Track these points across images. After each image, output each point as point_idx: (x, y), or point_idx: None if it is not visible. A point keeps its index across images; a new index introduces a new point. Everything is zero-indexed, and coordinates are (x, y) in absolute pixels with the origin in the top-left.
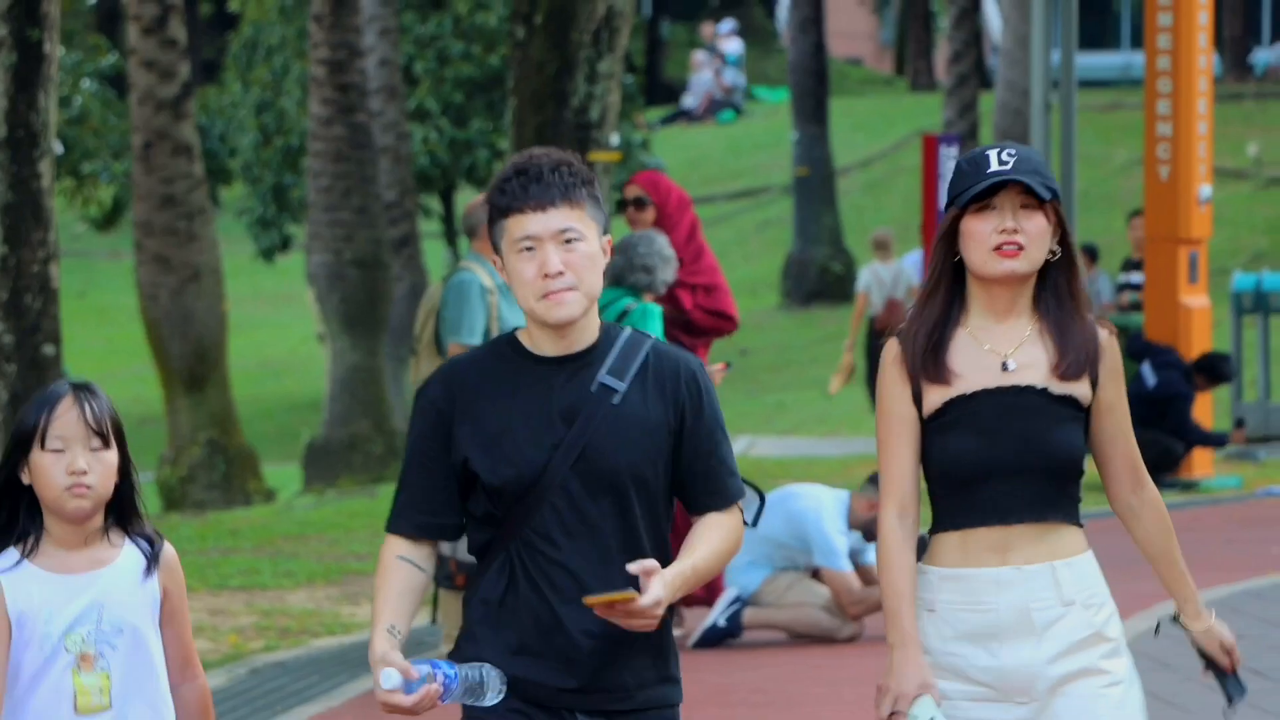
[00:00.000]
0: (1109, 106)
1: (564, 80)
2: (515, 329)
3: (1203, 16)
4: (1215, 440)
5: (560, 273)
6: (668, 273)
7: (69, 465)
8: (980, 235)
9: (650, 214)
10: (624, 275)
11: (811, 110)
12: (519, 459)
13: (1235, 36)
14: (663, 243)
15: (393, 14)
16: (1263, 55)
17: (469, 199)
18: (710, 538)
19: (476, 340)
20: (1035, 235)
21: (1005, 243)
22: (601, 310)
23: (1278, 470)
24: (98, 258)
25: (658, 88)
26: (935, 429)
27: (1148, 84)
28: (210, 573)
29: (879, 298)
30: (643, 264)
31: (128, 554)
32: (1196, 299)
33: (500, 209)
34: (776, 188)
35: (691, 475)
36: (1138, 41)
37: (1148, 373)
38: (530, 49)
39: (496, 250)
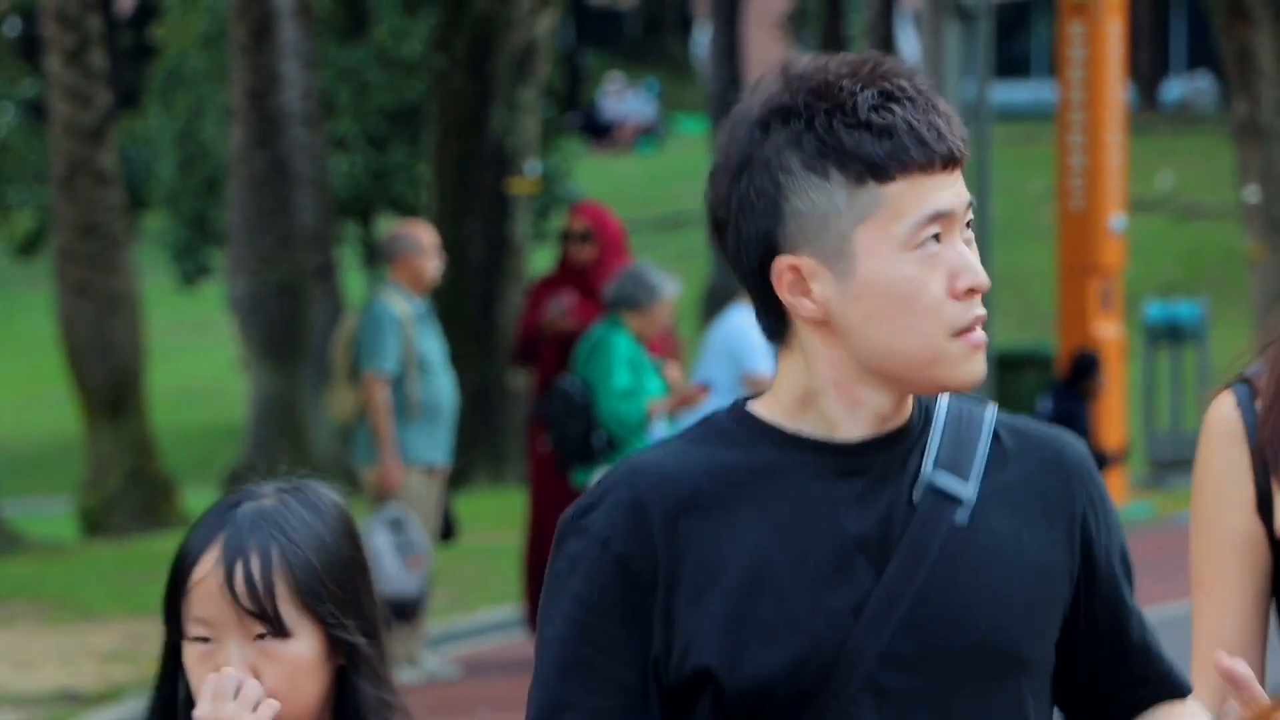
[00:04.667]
0: (1023, 138)
1: (484, 110)
2: (745, 397)
3: (1115, 49)
4: (1105, 461)
5: (981, 289)
6: (662, 283)
7: (217, 666)
8: None
9: (592, 250)
10: (624, 295)
11: None
12: (792, 637)
13: (1147, 69)
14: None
15: (309, 37)
16: (1174, 87)
17: (389, 226)
18: None
19: (390, 367)
20: None
21: None
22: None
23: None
24: (19, 287)
25: (580, 118)
26: None
27: (1060, 115)
28: (131, 598)
29: None
30: (648, 280)
31: None
32: (1109, 329)
33: (869, 162)
34: (696, 217)
35: (1112, 651)
36: (1053, 71)
37: (1047, 402)
38: (450, 79)
39: (821, 241)
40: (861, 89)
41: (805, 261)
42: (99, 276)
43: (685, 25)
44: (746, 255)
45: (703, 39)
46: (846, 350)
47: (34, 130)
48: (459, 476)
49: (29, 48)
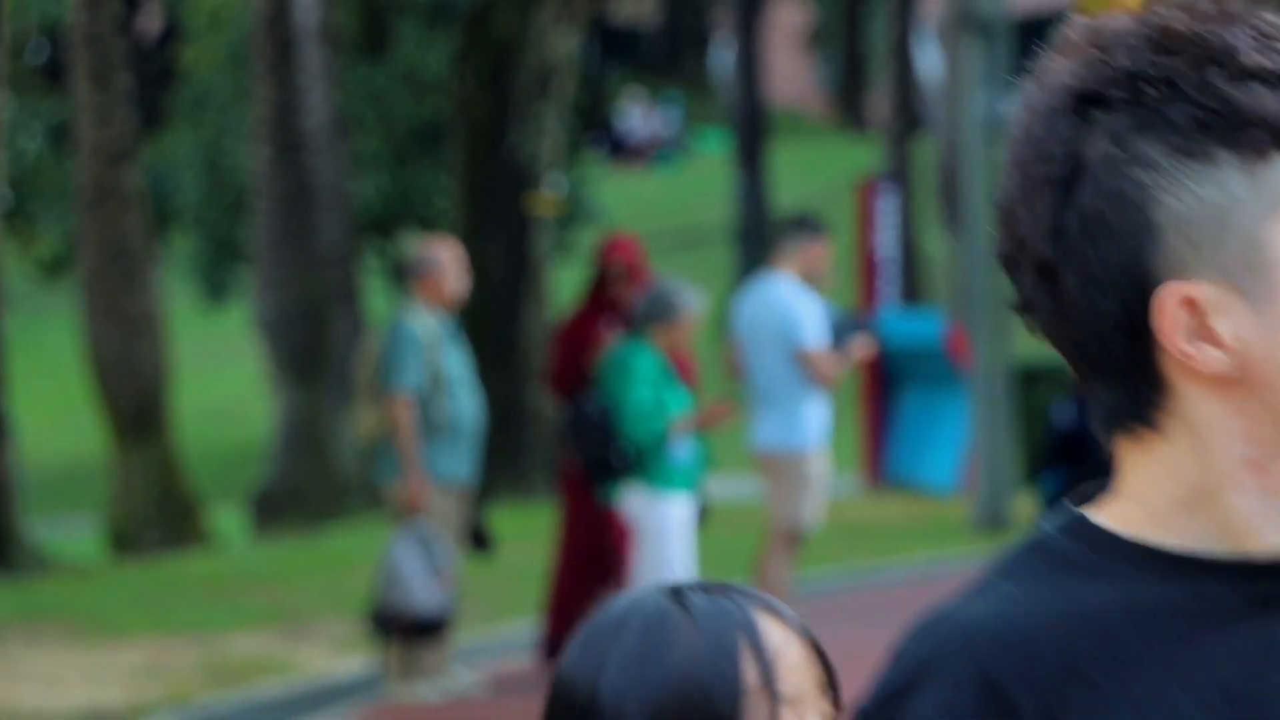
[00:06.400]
0: None
1: (505, 128)
2: (1078, 508)
3: None
4: None
5: None
6: (687, 297)
7: None
8: None
9: (633, 286)
10: (649, 310)
11: (749, 156)
12: None
13: None
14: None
15: (331, 57)
16: None
17: (413, 243)
18: None
19: (415, 385)
20: None
21: None
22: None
23: None
24: (45, 309)
25: (602, 135)
26: None
27: None
28: (155, 616)
29: None
30: (672, 294)
31: None
32: None
33: (1275, 124)
34: (716, 233)
35: None
36: None
37: (1071, 408)
38: (472, 97)
39: (1219, 253)
40: (1228, 28)
41: (1202, 289)
42: (125, 298)
43: (703, 42)
44: (1103, 300)
45: (721, 55)
46: (1269, 411)
47: (59, 153)
48: (482, 493)
49: (53, 71)
